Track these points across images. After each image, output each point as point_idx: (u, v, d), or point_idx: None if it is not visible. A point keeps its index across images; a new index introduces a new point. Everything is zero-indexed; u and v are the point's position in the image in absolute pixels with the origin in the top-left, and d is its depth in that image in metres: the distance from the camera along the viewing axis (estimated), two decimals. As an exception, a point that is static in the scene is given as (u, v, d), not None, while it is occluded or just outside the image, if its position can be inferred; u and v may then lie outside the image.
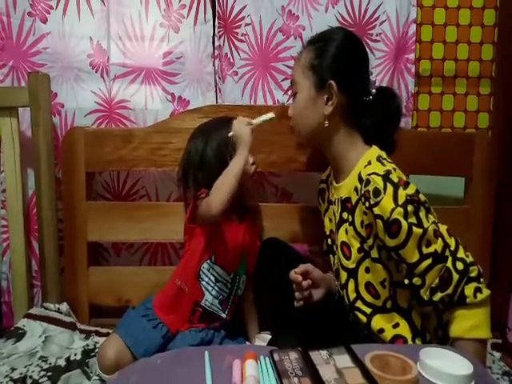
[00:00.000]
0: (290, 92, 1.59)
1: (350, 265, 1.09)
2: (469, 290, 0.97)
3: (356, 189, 1.06)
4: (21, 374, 1.21)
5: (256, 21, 1.56)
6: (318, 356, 0.79)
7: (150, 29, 1.58)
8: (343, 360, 0.78)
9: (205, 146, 1.29)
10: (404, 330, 1.04)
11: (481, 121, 1.71)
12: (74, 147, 1.50)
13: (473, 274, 0.97)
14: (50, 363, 1.26)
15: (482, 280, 0.98)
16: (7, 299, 1.64)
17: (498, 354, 1.38)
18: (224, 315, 1.29)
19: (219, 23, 1.60)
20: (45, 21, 1.57)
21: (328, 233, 1.27)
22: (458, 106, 1.70)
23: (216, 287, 1.28)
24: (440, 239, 0.98)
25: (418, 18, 1.61)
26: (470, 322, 0.98)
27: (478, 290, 0.97)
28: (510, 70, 1.61)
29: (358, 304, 1.09)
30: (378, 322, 1.06)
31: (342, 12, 1.55)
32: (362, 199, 1.02)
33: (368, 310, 1.07)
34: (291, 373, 0.75)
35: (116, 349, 1.19)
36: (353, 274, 1.09)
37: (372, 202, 0.98)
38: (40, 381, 1.18)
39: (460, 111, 1.70)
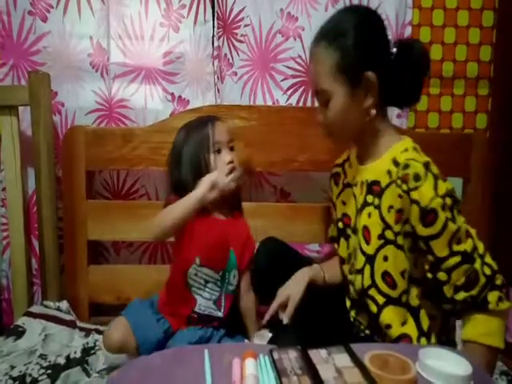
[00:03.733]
0: (289, 92, 1.60)
1: (369, 250, 1.06)
2: (492, 296, 0.95)
3: (389, 172, 1.02)
4: (20, 371, 1.21)
5: (255, 22, 1.57)
6: (318, 355, 0.79)
7: (149, 28, 1.59)
8: (342, 359, 0.78)
9: (183, 144, 1.28)
10: (411, 328, 1.03)
11: (479, 121, 1.72)
12: (74, 146, 1.51)
13: (498, 282, 0.96)
14: (50, 361, 1.27)
15: (504, 290, 0.97)
16: (7, 297, 1.65)
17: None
18: (220, 314, 1.29)
19: (218, 24, 1.60)
20: (45, 20, 1.57)
21: (340, 216, 1.22)
22: (457, 106, 1.71)
23: (207, 288, 1.28)
24: (470, 240, 0.97)
25: (416, 20, 1.63)
26: (486, 328, 0.96)
27: (500, 298, 0.96)
28: (508, 71, 1.62)
29: (372, 292, 1.06)
30: (387, 314, 1.04)
31: (342, 12, 1.55)
32: (398, 182, 0.98)
33: (381, 300, 1.05)
34: (290, 371, 0.75)
35: (122, 331, 1.20)
36: (370, 260, 1.06)
37: (411, 186, 0.95)
38: (39, 379, 1.18)
39: (458, 112, 1.71)
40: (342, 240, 1.21)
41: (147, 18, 1.59)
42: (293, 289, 1.15)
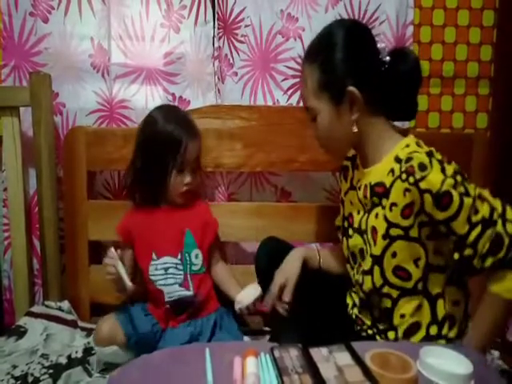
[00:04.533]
0: (289, 92, 1.60)
1: (375, 251, 1.05)
2: None
3: (392, 170, 1.01)
4: (22, 371, 1.22)
5: (256, 23, 1.57)
6: (319, 353, 0.80)
7: (150, 29, 1.59)
8: (343, 357, 0.78)
9: (152, 144, 1.29)
10: (424, 314, 1.02)
11: (479, 121, 1.72)
12: (76, 146, 1.51)
13: None
14: (51, 361, 1.27)
15: None
16: (9, 297, 1.65)
17: (496, 353, 1.38)
18: (190, 292, 1.30)
19: (219, 24, 1.61)
20: (46, 21, 1.58)
21: (346, 215, 1.22)
22: (457, 106, 1.71)
23: (169, 275, 1.30)
24: (486, 203, 0.95)
25: (416, 19, 1.63)
26: None
27: None
28: (509, 71, 1.62)
29: (385, 289, 1.05)
30: (402, 305, 1.03)
31: (342, 12, 1.56)
32: (403, 176, 0.97)
33: (395, 293, 1.04)
34: (292, 370, 0.75)
35: (109, 325, 1.28)
36: (378, 260, 1.05)
37: (418, 177, 0.94)
38: (41, 378, 1.19)
39: (459, 112, 1.71)
40: (344, 239, 1.21)
41: (148, 18, 1.59)
42: (289, 269, 1.18)
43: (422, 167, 0.94)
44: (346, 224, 1.21)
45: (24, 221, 1.56)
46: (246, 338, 1.34)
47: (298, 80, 1.59)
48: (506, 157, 1.58)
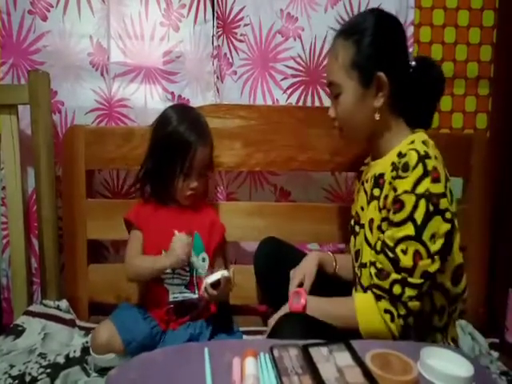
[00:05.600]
0: (288, 91, 1.60)
1: (372, 240, 1.07)
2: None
3: (393, 163, 1.02)
4: (20, 370, 1.21)
5: (255, 22, 1.56)
6: (318, 353, 0.79)
7: (149, 28, 1.59)
8: (343, 358, 0.78)
9: (157, 133, 1.33)
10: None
11: (479, 121, 1.72)
12: (74, 145, 1.50)
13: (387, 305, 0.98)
14: (49, 360, 1.27)
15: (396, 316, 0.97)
16: (7, 296, 1.65)
17: (496, 354, 1.39)
18: (195, 295, 1.30)
19: (218, 23, 1.60)
20: (45, 19, 1.57)
21: (353, 213, 1.23)
22: (457, 106, 1.71)
23: (175, 275, 1.30)
24: (422, 248, 0.93)
25: (416, 19, 1.62)
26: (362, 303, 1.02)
27: (392, 317, 0.97)
28: (509, 71, 1.62)
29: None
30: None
31: (341, 12, 1.55)
32: (391, 168, 1.00)
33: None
34: (291, 371, 0.75)
35: (107, 332, 1.23)
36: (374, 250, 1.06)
37: (394, 174, 0.97)
38: (39, 378, 1.18)
39: (458, 112, 1.71)
40: (352, 237, 1.21)
41: (147, 17, 1.58)
42: (307, 267, 1.21)
43: (405, 168, 0.95)
44: (352, 222, 1.22)
45: (22, 219, 1.55)
46: (245, 338, 1.34)
47: (297, 79, 1.59)
48: (505, 157, 1.58)
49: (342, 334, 0.90)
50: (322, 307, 1.05)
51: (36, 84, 1.47)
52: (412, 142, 1.01)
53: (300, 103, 1.60)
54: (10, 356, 1.27)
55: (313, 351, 0.80)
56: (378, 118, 1.05)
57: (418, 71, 1.07)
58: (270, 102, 1.61)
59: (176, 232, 1.25)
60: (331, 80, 1.10)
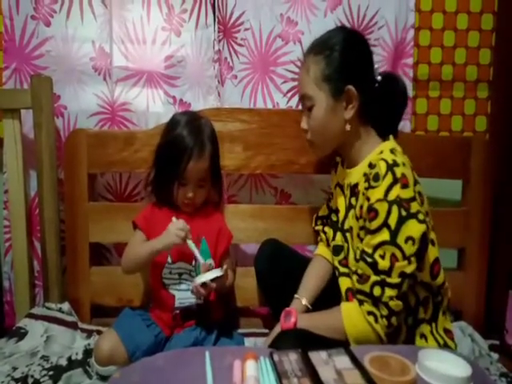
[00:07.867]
0: (289, 94, 1.61)
1: (354, 247, 1.12)
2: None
3: (365, 174, 1.07)
4: (22, 373, 1.21)
5: (255, 26, 1.57)
6: (318, 357, 0.80)
7: (151, 32, 1.60)
8: (342, 361, 0.79)
9: (161, 139, 1.34)
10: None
11: (478, 124, 1.73)
12: (77, 149, 1.51)
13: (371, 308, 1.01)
14: (52, 362, 1.27)
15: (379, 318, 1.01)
16: (9, 299, 1.65)
17: (495, 356, 1.39)
18: (201, 301, 1.30)
19: (219, 28, 1.61)
20: (48, 24, 1.58)
21: (334, 208, 1.28)
22: (456, 109, 1.72)
23: (182, 280, 1.30)
24: (398, 263, 0.97)
25: (416, 23, 1.63)
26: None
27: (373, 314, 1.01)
28: (508, 74, 1.63)
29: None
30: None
31: (341, 17, 1.56)
32: (364, 179, 1.05)
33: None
34: (291, 373, 0.76)
35: (111, 343, 1.22)
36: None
37: (367, 185, 1.02)
38: (41, 380, 1.19)
39: (458, 115, 1.72)
40: (332, 230, 1.27)
41: (149, 22, 1.60)
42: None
43: (376, 178, 1.00)
44: (334, 218, 1.27)
45: (25, 222, 1.56)
46: (246, 340, 1.35)
47: (297, 83, 1.60)
48: (504, 159, 1.59)
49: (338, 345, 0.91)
50: (312, 321, 1.08)
51: (38, 88, 1.49)
52: (381, 152, 1.07)
53: (300, 107, 1.61)
54: (12, 358, 1.28)
55: (312, 355, 0.81)
56: (348, 129, 1.11)
57: (384, 85, 1.13)
58: (270, 106, 1.62)
59: (173, 218, 1.25)
60: (304, 93, 1.15)
